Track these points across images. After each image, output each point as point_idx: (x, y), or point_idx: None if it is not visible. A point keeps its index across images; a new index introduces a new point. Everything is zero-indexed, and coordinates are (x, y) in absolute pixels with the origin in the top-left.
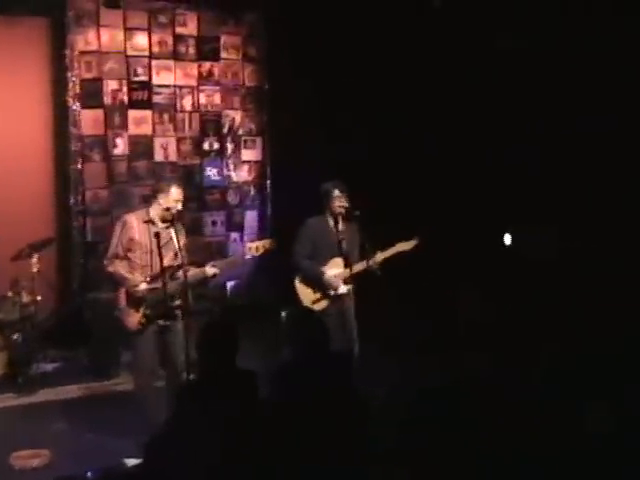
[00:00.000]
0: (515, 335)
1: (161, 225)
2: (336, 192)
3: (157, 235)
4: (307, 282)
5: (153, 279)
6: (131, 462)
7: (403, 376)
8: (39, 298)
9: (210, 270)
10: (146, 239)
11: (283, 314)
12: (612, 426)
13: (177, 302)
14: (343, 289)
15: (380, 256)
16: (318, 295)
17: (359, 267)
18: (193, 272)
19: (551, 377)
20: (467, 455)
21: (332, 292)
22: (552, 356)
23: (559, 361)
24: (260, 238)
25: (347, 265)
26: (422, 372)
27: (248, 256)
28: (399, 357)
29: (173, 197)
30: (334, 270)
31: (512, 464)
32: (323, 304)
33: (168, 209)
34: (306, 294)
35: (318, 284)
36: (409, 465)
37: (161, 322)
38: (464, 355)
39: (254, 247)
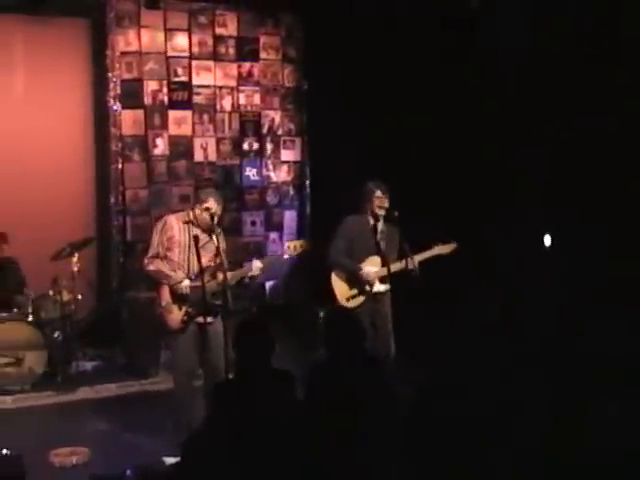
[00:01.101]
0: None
1: (201, 227)
2: (378, 192)
3: (196, 238)
4: (343, 278)
5: (196, 277)
6: (169, 461)
7: (435, 375)
8: (79, 297)
9: (255, 265)
10: (185, 239)
11: (321, 314)
12: None
13: (217, 301)
14: (379, 287)
15: (418, 258)
16: (354, 291)
17: (396, 267)
18: (236, 272)
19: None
20: (502, 456)
21: (368, 288)
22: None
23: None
24: (299, 238)
25: (384, 264)
26: (453, 371)
27: (286, 256)
28: (431, 357)
29: (214, 205)
30: (371, 268)
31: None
32: (358, 301)
33: (208, 209)
34: (342, 290)
35: (354, 280)
36: (442, 463)
37: (201, 320)
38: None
39: (292, 246)
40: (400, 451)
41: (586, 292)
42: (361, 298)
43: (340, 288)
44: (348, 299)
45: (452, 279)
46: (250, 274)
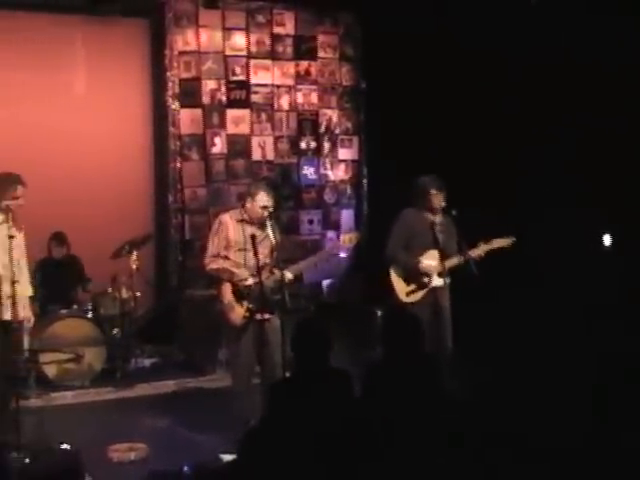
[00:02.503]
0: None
1: (254, 222)
2: (433, 190)
3: (253, 237)
4: (402, 273)
5: (256, 274)
6: (226, 458)
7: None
8: (138, 294)
9: (301, 266)
10: (240, 237)
11: (379, 312)
12: None
13: (276, 297)
14: (438, 281)
15: (478, 251)
16: (413, 287)
17: (454, 261)
18: (288, 269)
19: None
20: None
21: (426, 281)
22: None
23: None
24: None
25: (443, 258)
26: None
27: (342, 250)
28: (490, 356)
29: (264, 198)
30: (429, 261)
31: None
32: (418, 295)
33: (265, 207)
34: (401, 285)
35: (413, 274)
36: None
37: (260, 317)
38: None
39: (346, 239)
40: (450, 451)
41: None
42: (420, 293)
43: (399, 283)
44: (407, 294)
45: (511, 276)
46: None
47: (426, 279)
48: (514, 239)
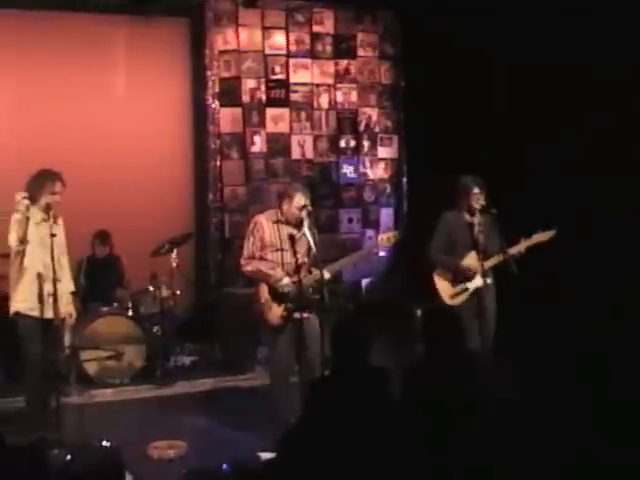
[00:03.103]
0: None
1: (291, 223)
2: (475, 189)
3: (291, 237)
4: (445, 276)
5: (293, 274)
6: (264, 456)
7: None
8: (178, 292)
9: (326, 274)
10: (276, 238)
11: (418, 312)
12: None
13: (315, 296)
14: (480, 282)
15: (516, 248)
16: (457, 289)
17: (494, 260)
18: (326, 268)
19: None
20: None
21: (469, 284)
22: None
23: None
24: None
25: (483, 258)
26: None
27: (381, 249)
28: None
29: (302, 199)
30: (470, 263)
31: None
32: (462, 298)
33: (303, 207)
34: (444, 288)
35: (455, 277)
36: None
37: (298, 316)
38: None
39: (385, 238)
40: (495, 450)
41: None
42: (465, 295)
43: (443, 286)
44: (452, 297)
45: (558, 276)
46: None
47: (468, 282)
48: (554, 232)
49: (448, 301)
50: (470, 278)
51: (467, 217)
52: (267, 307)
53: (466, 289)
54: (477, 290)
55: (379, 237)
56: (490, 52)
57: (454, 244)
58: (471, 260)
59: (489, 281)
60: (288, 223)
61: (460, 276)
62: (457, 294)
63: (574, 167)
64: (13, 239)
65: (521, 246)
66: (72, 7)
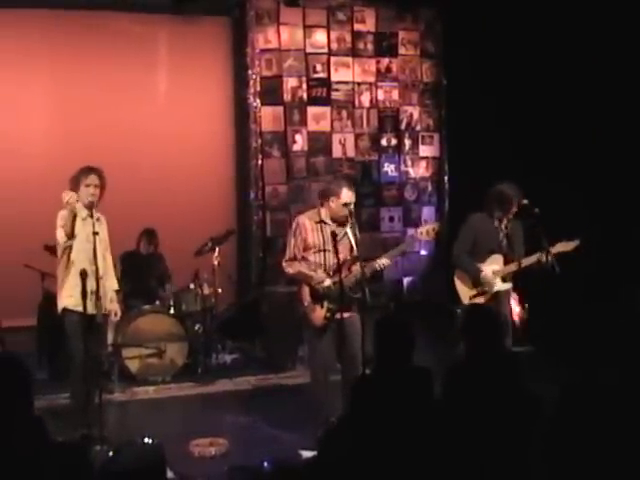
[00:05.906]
0: None
1: (334, 223)
2: (519, 198)
3: (333, 234)
4: (465, 278)
5: (334, 274)
6: (305, 454)
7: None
8: (219, 290)
9: (382, 262)
10: (319, 239)
11: (459, 311)
12: None
13: (356, 294)
14: (501, 286)
15: (541, 256)
16: (475, 291)
17: (513, 267)
18: (368, 266)
19: None
20: None
21: (487, 289)
22: None
23: None
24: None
25: (506, 262)
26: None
27: (421, 243)
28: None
29: (348, 194)
30: (493, 266)
31: None
32: (480, 300)
33: (347, 204)
34: (464, 290)
35: (475, 280)
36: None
37: (339, 315)
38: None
39: (424, 231)
40: (540, 454)
41: None
42: (483, 297)
43: (462, 289)
44: (471, 298)
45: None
46: (377, 269)
47: (487, 287)
48: (578, 243)
49: (466, 302)
50: (489, 285)
51: (496, 221)
52: (310, 309)
53: (485, 292)
54: (496, 294)
55: (418, 230)
56: (532, 50)
57: (479, 245)
58: (495, 263)
59: (507, 286)
60: (333, 221)
61: (478, 280)
62: (475, 296)
63: (621, 174)
64: (61, 235)
65: (544, 254)
66: (115, 7)
